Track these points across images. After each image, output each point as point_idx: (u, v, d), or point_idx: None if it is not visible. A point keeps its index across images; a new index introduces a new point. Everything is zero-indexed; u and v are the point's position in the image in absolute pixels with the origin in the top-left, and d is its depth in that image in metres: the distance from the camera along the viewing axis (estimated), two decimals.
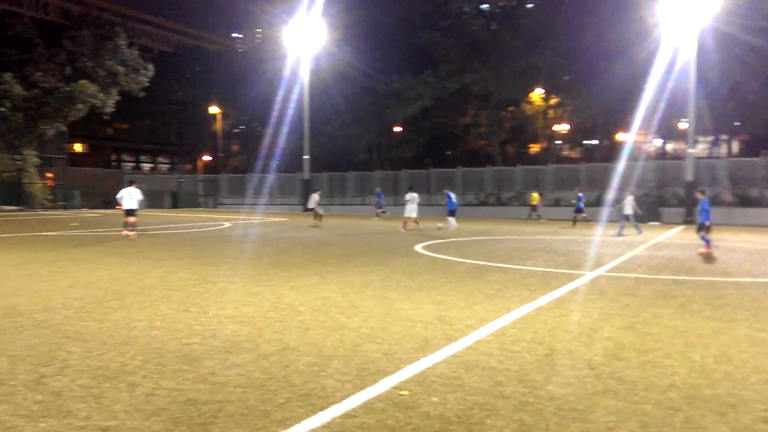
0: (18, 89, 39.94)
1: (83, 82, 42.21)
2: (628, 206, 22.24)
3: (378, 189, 38.76)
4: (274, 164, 49.01)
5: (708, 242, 15.69)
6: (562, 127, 58.05)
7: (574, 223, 27.54)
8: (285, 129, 47.05)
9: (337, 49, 49.28)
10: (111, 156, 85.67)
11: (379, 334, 6.50)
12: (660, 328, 6.97)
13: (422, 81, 52.81)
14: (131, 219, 19.65)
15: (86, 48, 44.15)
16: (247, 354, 5.69)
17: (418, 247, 16.53)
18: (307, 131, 42.76)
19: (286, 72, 43.70)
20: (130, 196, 19.79)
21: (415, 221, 24.77)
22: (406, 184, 44.21)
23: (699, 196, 16.77)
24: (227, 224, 26.96)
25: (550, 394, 4.70)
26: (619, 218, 22.50)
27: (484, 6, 56.38)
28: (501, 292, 9.31)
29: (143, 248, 15.68)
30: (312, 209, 27.30)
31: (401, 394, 4.63)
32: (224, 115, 68.52)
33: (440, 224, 25.42)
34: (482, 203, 41.25)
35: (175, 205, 49.85)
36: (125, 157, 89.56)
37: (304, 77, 41.72)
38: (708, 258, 14.49)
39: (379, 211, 35.01)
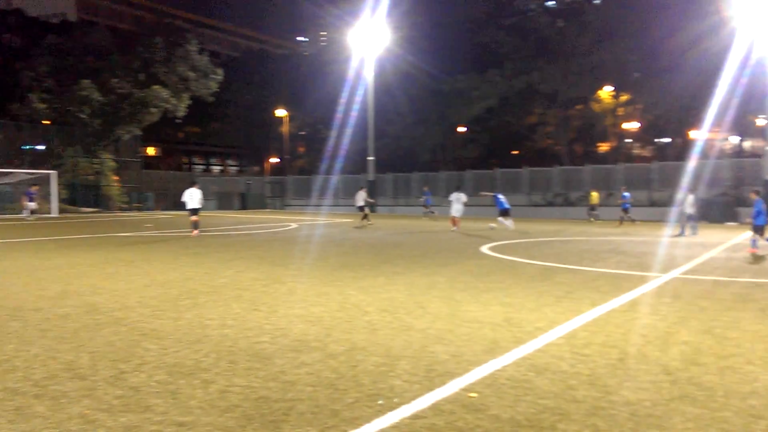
0: (96, 95, 41.67)
1: (156, 87, 43.70)
2: (689, 205, 21.62)
3: (425, 189, 38.67)
4: (338, 165, 49.50)
5: (753, 243, 15.19)
6: (632, 125, 56.44)
7: (621, 222, 27.37)
8: (349, 130, 47.48)
9: (400, 49, 49.40)
10: (182, 159, 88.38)
11: (447, 336, 6.47)
12: (740, 333, 6.69)
13: (487, 80, 52.32)
14: (194, 218, 21.10)
15: (159, 54, 45.71)
16: (316, 353, 5.76)
17: (485, 248, 16.38)
18: (371, 132, 43.02)
19: (351, 74, 44.10)
20: (191, 197, 21.29)
21: (455, 221, 24.76)
22: (471, 184, 43.93)
23: (752, 196, 16.17)
24: (294, 225, 27.39)
25: (625, 400, 4.58)
26: (682, 218, 21.72)
27: (550, 3, 55.43)
28: (571, 294, 9.12)
29: (214, 248, 16.10)
30: (362, 207, 27.17)
31: (470, 396, 4.60)
32: (290, 118, 69.68)
33: (493, 224, 25.20)
34: (549, 204, 40.54)
35: (243, 206, 50.99)
36: (195, 159, 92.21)
37: (369, 79, 41.99)
38: (756, 259, 13.84)
39: (427, 210, 35.06)
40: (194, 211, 21.15)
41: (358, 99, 43.96)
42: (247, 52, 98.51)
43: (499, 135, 59.39)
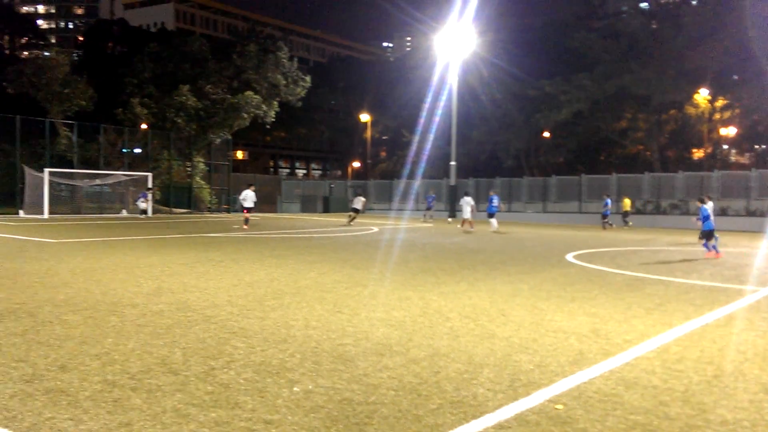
0: (192, 101, 43.44)
1: (248, 93, 45.11)
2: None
3: (431, 192, 38.22)
4: (420, 170, 49.52)
5: (709, 248, 16.26)
6: (730, 131, 53.79)
7: (604, 228, 29.58)
8: (432, 135, 47.43)
9: (486, 53, 49.00)
10: (268, 162, 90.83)
11: (531, 345, 6.36)
12: None
13: (576, 84, 51.10)
14: (248, 215, 25.34)
15: (251, 62, 47.18)
16: (399, 357, 5.78)
17: (570, 256, 16.00)
18: (454, 137, 42.80)
19: (435, 79, 44.05)
20: (246, 197, 25.59)
21: (470, 223, 27.74)
22: (555, 190, 43.05)
23: (698, 204, 17.17)
24: (375, 229, 27.60)
25: (721, 419, 4.36)
26: None
27: (643, 4, 53.64)
28: (662, 306, 8.78)
29: (298, 250, 16.44)
30: (357, 210, 30.36)
31: (556, 408, 4.49)
32: (374, 123, 70.42)
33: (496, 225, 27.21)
34: (639, 211, 39.17)
35: (326, 209, 51.81)
36: (281, 163, 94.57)
37: (453, 83, 41.84)
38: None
39: (427, 214, 34.78)
40: (248, 210, 25.48)
41: (441, 103, 43.86)
42: (334, 58, 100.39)
43: (586, 140, 57.90)
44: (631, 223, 34.25)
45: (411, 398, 4.65)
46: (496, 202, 28.11)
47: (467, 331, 6.98)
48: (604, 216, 30.73)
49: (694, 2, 52.52)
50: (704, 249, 16.48)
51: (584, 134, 56.90)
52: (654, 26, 52.48)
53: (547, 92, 52.51)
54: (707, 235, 16.40)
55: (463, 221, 28.18)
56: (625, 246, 20.24)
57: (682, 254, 17.44)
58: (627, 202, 34.35)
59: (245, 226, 25.22)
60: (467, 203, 28.20)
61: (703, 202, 17.11)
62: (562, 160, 59.77)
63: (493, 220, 27.52)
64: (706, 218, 16.49)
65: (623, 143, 58.96)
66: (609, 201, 31.55)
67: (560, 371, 5.42)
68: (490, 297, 9.32)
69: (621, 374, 5.39)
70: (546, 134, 58.33)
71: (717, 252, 16.22)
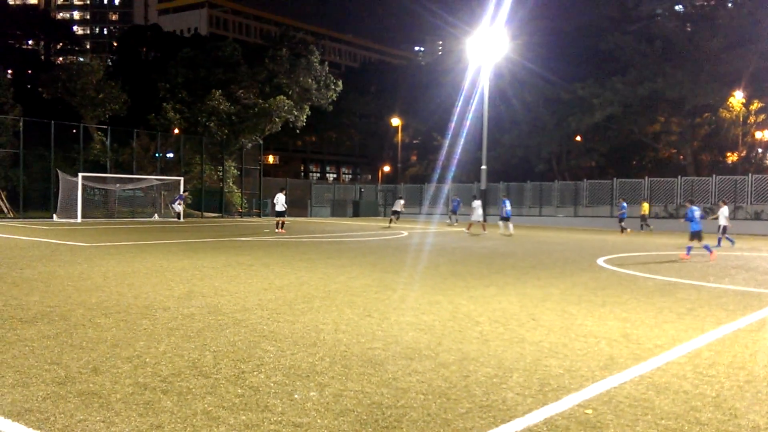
0: (225, 106, 43.95)
1: (280, 97, 45.46)
2: (722, 217, 22.02)
3: (455, 196, 37.78)
4: (450, 174, 49.40)
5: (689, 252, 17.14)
6: (765, 134, 52.68)
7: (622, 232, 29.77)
8: (462, 139, 47.29)
9: (518, 57, 48.74)
10: (299, 166, 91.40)
11: (561, 350, 6.30)
12: None
13: (610, 87, 50.51)
14: (280, 219, 26.53)
15: (283, 66, 47.54)
16: (428, 361, 5.77)
17: (601, 261, 15.82)
18: (485, 141, 42.61)
19: (466, 83, 43.93)
20: (276, 201, 26.91)
21: (482, 226, 28.51)
22: (586, 194, 42.59)
23: (687, 205, 17.91)
24: (405, 233, 27.60)
25: (753, 424, 4.28)
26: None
27: (678, 7, 52.86)
28: (694, 311, 8.64)
29: (328, 254, 16.51)
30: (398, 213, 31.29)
31: (586, 413, 4.45)
32: (404, 127, 70.43)
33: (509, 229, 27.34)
34: (671, 216, 38.56)
35: (356, 213, 51.95)
36: (312, 167, 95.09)
37: (484, 87, 41.68)
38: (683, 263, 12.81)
39: (452, 218, 34.43)
40: (280, 213, 26.62)
41: (472, 107, 43.72)
42: (366, 63, 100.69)
43: (618, 144, 57.21)
44: (652, 227, 34.29)
45: (440, 402, 4.65)
46: (508, 206, 28.22)
47: (497, 335, 6.95)
48: (621, 219, 30.80)
49: (729, 5, 51.58)
50: (686, 251, 17.20)
51: (616, 138, 56.23)
52: (689, 29, 51.67)
53: (579, 95, 52.01)
54: (695, 235, 17.07)
55: (470, 224, 28.52)
56: (656, 250, 19.95)
57: (715, 259, 17.11)
58: (645, 206, 34.65)
59: (281, 230, 25.94)
60: (478, 206, 28.67)
61: (692, 203, 17.90)
62: (593, 164, 59.15)
63: (510, 224, 27.59)
64: (691, 219, 17.12)
65: (656, 147, 58.13)
66: (625, 205, 31.55)
67: (590, 376, 5.37)
68: (519, 301, 9.26)
69: (652, 379, 5.31)
70: (578, 138, 57.77)
71: (710, 252, 17.07)
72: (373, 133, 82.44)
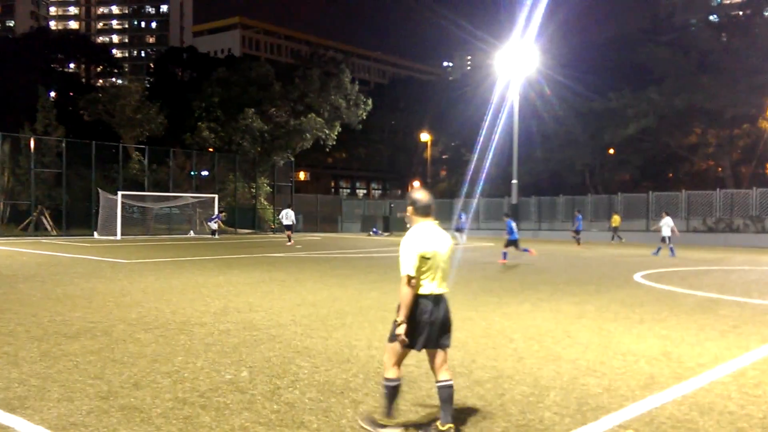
0: (258, 124, 44.57)
1: (311, 115, 45.95)
2: (666, 228, 23.50)
3: (461, 211, 36.53)
4: (480, 189, 49.13)
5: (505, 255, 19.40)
6: None
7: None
8: (492, 153, 47.08)
9: (548, 70, 48.49)
10: (330, 183, 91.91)
11: (599, 368, 6.21)
12: None
13: (645, 99, 49.87)
14: (289, 232, 28.33)
15: (314, 85, 48.10)
16: (462, 379, 5.73)
17: (638, 276, 15.57)
18: (516, 155, 42.38)
19: (495, 97, 43.83)
20: (287, 216, 28.51)
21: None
22: (621, 208, 42.01)
23: (505, 219, 20.49)
24: None
25: None
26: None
27: (713, 17, 52.16)
28: (737, 328, 8.44)
29: (360, 270, 16.54)
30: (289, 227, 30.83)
31: None
32: (434, 142, 70.45)
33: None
34: (710, 230, 37.80)
35: (386, 229, 51.94)
36: (342, 183, 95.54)
37: (514, 101, 41.54)
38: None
39: (458, 234, 32.99)
40: (289, 227, 28.46)
41: (502, 122, 43.55)
42: (395, 79, 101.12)
43: (653, 156, 56.35)
44: (623, 240, 35.61)
45: (475, 421, 4.61)
46: (463, 219, 31.18)
47: (532, 352, 6.88)
48: (577, 231, 31.64)
49: (766, 13, 50.74)
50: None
51: (651, 150, 55.42)
52: (724, 39, 50.89)
53: (612, 107, 51.44)
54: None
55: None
56: (696, 266, 19.56)
57: (757, 274, 16.72)
58: (616, 219, 36.08)
59: (291, 243, 27.71)
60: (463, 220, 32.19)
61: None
62: (628, 176, 58.34)
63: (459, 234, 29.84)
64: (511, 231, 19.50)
65: (692, 159, 57.16)
66: (580, 217, 32.56)
67: (630, 395, 5.28)
68: (554, 318, 9.15)
69: (695, 399, 5.20)
70: (611, 151, 57.11)
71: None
72: (402, 149, 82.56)
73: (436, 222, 4.45)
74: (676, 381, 5.75)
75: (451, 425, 4.19)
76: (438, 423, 4.27)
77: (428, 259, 4.27)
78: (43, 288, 11.77)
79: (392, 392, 4.33)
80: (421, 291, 4.30)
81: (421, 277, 4.29)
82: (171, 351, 6.70)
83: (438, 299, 4.37)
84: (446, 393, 4.27)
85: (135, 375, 5.71)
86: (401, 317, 4.22)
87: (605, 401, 5.11)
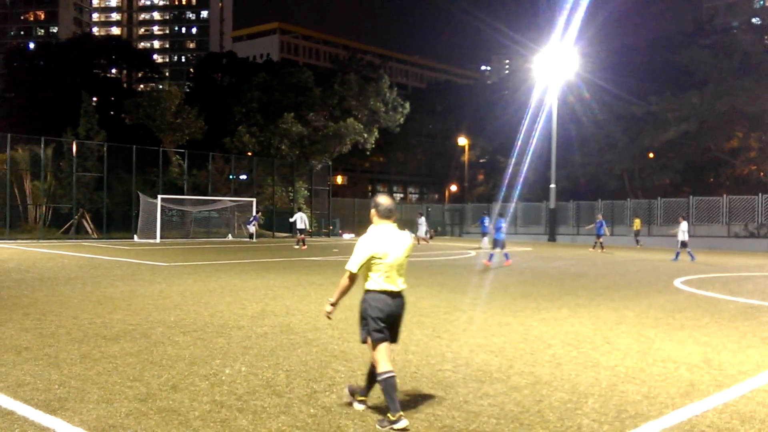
0: (297, 128, 44.99)
1: (350, 120, 46.20)
2: (682, 233, 23.61)
3: (484, 215, 34.04)
4: (518, 193, 48.73)
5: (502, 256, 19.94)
6: None
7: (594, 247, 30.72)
8: (530, 158, 46.73)
9: (587, 74, 47.93)
10: (367, 186, 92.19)
11: (638, 375, 6.12)
12: None
13: (686, 102, 48.92)
14: (301, 236, 28.75)
15: (352, 90, 48.37)
16: (499, 384, 5.71)
17: (678, 282, 15.28)
18: (554, 160, 42.06)
19: (534, 101, 43.51)
20: (301, 219, 29.42)
21: (421, 239, 34.90)
22: (661, 213, 41.30)
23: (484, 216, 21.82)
24: (473, 253, 27.39)
25: None
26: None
27: (755, 19, 50.97)
28: None
29: None
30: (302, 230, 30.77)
31: None
32: (471, 146, 70.17)
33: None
34: (752, 235, 36.88)
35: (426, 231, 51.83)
36: (379, 187, 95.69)
37: (553, 106, 41.15)
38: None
39: (483, 239, 31.51)
40: (302, 231, 28.93)
41: (540, 126, 43.21)
42: (432, 83, 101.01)
43: (694, 160, 55.18)
44: (642, 244, 35.93)
45: (513, 427, 4.59)
46: (486, 222, 30.86)
47: (570, 359, 6.81)
48: (599, 236, 31.26)
49: None
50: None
51: (692, 154, 54.30)
52: (767, 41, 49.67)
53: (653, 111, 50.58)
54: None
55: (420, 239, 35.04)
56: (738, 272, 19.12)
57: None
58: (637, 222, 36.30)
59: (303, 246, 27.98)
60: (423, 223, 36.31)
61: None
62: (668, 181, 57.22)
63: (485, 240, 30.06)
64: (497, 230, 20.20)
65: (733, 163, 55.84)
66: (603, 222, 32.06)
67: (670, 403, 5.20)
68: (593, 324, 9.05)
69: (736, 407, 5.10)
70: (650, 155, 56.13)
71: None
72: (439, 153, 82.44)
73: (396, 225, 4.84)
74: (717, 389, 5.65)
75: (401, 413, 4.46)
76: (389, 414, 4.48)
77: (380, 259, 4.71)
78: (84, 290, 12.04)
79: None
80: (378, 287, 4.78)
81: (377, 274, 4.76)
82: (209, 354, 6.80)
83: (394, 295, 4.81)
84: (390, 384, 4.55)
85: (173, 377, 5.80)
86: (333, 299, 5.02)
87: (644, 409, 5.04)
